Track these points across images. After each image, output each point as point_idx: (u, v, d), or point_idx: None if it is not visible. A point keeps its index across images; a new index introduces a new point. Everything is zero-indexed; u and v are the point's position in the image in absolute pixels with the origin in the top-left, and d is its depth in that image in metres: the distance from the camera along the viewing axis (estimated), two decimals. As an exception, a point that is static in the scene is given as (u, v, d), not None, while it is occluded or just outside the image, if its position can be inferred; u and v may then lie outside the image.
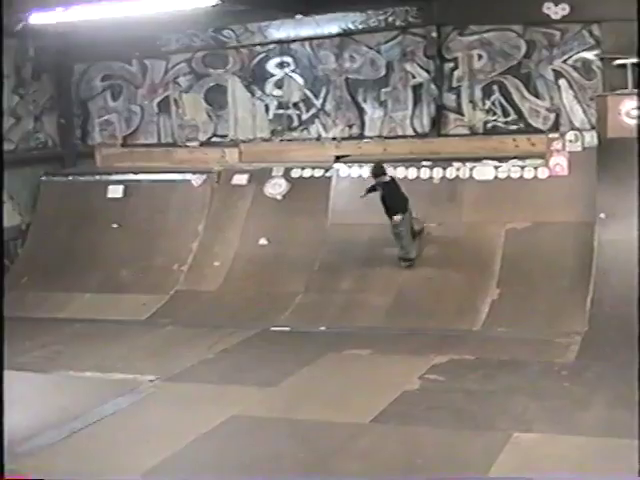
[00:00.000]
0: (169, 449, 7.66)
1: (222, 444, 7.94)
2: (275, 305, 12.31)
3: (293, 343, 11.05)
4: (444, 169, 13.12)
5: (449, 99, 13.98)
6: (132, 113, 15.82)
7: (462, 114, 13.95)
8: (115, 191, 14.79)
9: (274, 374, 9.75)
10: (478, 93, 13.80)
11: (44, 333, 12.01)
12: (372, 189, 12.64)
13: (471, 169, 13.00)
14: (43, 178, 15.34)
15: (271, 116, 15.02)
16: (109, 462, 7.53)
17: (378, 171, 12.54)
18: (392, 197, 12.45)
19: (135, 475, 7.15)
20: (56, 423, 8.41)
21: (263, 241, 13.46)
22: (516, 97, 13.58)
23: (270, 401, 9.06)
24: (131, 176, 14.92)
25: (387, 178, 12.55)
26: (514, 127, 13.62)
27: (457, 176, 13.05)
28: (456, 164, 13.10)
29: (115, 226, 14.44)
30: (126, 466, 7.37)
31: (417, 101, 14.12)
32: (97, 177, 15.18)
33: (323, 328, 11.61)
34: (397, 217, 12.32)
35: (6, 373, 10.53)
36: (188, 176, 14.54)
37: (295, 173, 14.00)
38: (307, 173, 13.95)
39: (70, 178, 15.38)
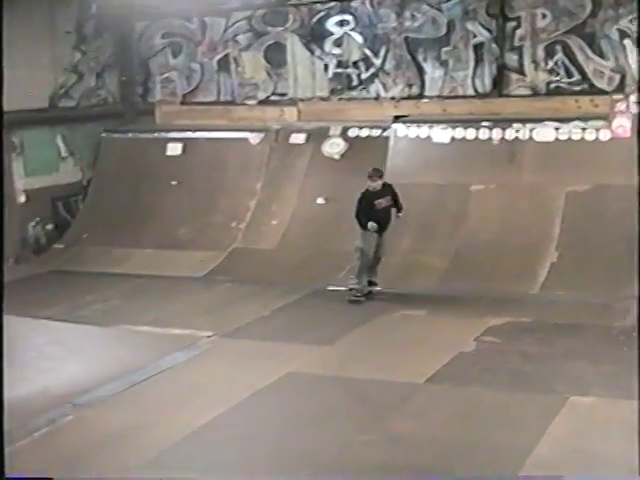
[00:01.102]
0: (225, 404, 7.76)
1: (277, 401, 8.02)
2: (332, 264, 12.32)
3: (349, 303, 11.08)
4: (503, 130, 12.97)
5: (511, 59, 13.76)
6: (192, 71, 15.85)
7: (524, 74, 13.73)
8: (174, 149, 14.90)
9: (330, 333, 9.81)
10: (541, 53, 13.56)
11: (104, 287, 12.21)
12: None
13: (531, 130, 12.83)
14: (104, 135, 15.50)
15: (330, 75, 14.93)
16: (166, 415, 7.65)
17: (376, 173, 11.24)
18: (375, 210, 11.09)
19: (193, 427, 7.28)
20: (115, 375, 8.56)
21: (320, 200, 13.47)
22: (580, 57, 13.31)
23: (325, 359, 9.12)
24: (190, 134, 15.01)
25: (379, 184, 11.17)
26: (577, 88, 13.37)
27: (516, 137, 12.89)
28: (516, 125, 12.93)
29: (174, 183, 14.56)
30: (182, 420, 7.48)
31: (478, 61, 13.93)
32: (156, 134, 15.30)
33: (379, 288, 11.61)
34: (373, 224, 10.97)
35: (68, 326, 10.82)
36: (246, 134, 14.58)
37: (353, 132, 13.95)
38: (365, 133, 13.89)
39: (130, 135, 15.52)
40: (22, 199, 14.10)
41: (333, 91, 14.91)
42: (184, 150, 14.83)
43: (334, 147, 13.95)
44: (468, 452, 6.74)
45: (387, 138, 13.60)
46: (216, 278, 12.59)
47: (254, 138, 14.49)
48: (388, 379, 8.35)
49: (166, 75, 16.01)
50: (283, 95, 15.27)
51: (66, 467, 6.67)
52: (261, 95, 15.41)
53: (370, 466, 6.56)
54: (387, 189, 11.23)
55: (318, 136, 14.13)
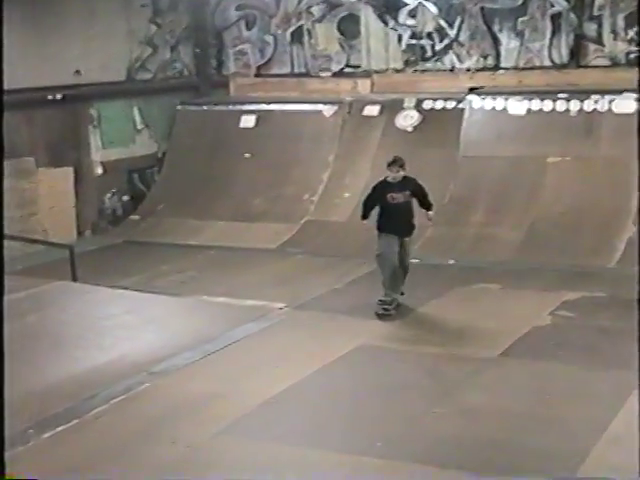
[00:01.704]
0: (297, 375, 7.80)
1: (349, 373, 8.04)
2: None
3: (422, 276, 10.99)
4: (582, 102, 12.74)
5: (589, 29, 13.49)
6: (265, 43, 15.86)
7: (603, 44, 13.45)
8: (247, 121, 14.95)
9: (402, 306, 9.78)
10: (620, 22, 13.26)
11: (178, 258, 12.36)
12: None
13: (610, 102, 12.57)
14: (179, 107, 15.61)
15: (404, 46, 14.81)
16: (238, 385, 7.72)
17: (397, 163, 9.53)
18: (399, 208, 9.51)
19: (265, 398, 7.34)
20: (190, 345, 8.64)
21: (394, 173, 13.38)
22: (661, 27, 12.99)
23: (397, 332, 9.11)
24: (263, 106, 15.04)
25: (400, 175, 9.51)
26: (658, 58, 13.06)
27: (595, 109, 12.65)
28: (594, 96, 12.69)
29: (247, 155, 14.64)
30: (254, 390, 7.54)
31: (555, 31, 13.68)
32: (230, 107, 15.37)
33: (452, 261, 11.55)
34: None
35: (144, 295, 10.93)
36: (320, 106, 14.57)
37: (427, 104, 13.83)
38: (439, 105, 13.75)
39: (205, 107, 15.61)
40: (99, 171, 14.33)
41: (407, 62, 14.78)
42: (257, 122, 14.87)
43: (408, 119, 13.85)
44: (542, 426, 6.68)
45: (462, 110, 13.45)
46: (289, 250, 12.65)
47: (327, 110, 14.46)
48: (461, 352, 8.32)
49: (239, 47, 16.04)
50: (357, 67, 15.19)
51: (142, 436, 6.79)
52: (335, 67, 15.36)
53: (441, 438, 6.55)
54: (408, 183, 9.54)
55: (392, 108, 14.03)
